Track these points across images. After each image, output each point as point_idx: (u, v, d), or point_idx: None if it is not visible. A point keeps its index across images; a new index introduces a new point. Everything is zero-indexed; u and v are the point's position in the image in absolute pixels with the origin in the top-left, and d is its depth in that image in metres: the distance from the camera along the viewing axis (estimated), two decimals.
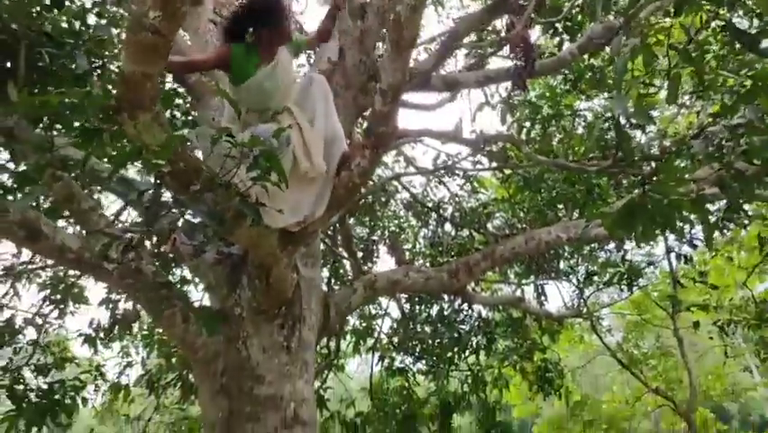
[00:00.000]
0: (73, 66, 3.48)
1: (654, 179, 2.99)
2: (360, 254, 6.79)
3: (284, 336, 3.73)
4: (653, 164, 3.14)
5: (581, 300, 9.20)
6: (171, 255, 4.13)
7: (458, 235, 7.70)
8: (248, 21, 3.24)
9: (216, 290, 3.85)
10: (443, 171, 6.70)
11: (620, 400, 12.78)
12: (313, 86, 3.34)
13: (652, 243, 8.06)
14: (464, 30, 4.24)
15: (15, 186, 3.70)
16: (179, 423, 8.00)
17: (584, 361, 13.07)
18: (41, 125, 3.67)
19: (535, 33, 4.95)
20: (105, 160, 3.55)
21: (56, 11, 3.58)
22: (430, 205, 7.14)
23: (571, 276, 9.26)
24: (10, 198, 3.65)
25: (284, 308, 3.76)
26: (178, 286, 5.67)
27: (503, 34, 4.34)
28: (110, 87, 3.06)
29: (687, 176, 3.08)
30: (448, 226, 7.28)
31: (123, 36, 3.01)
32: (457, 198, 7.32)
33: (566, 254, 8.81)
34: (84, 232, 3.54)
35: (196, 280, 5.99)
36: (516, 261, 6.78)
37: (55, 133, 3.63)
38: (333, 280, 7.38)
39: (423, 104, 5.29)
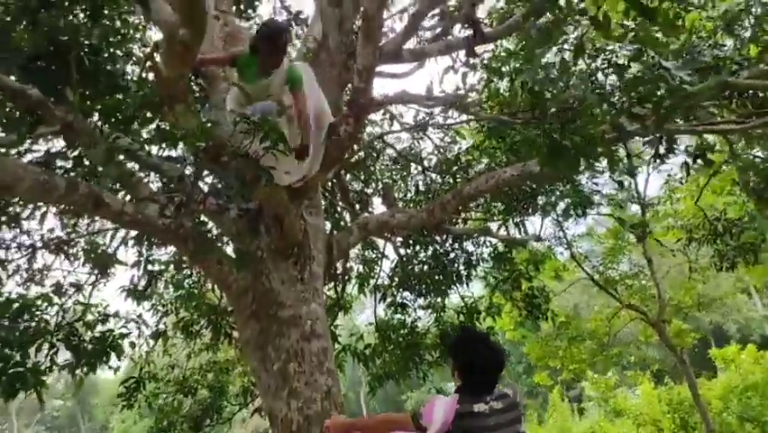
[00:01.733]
0: (111, 69, 4.36)
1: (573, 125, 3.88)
2: (357, 205, 7.70)
3: (298, 271, 4.70)
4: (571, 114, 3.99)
5: (562, 232, 10.15)
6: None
7: (444, 181, 8.60)
8: (257, 42, 4.05)
9: (240, 238, 4.79)
10: (420, 127, 7.56)
11: (600, 319, 13.96)
12: (306, 70, 4.22)
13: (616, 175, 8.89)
14: (427, 8, 5.06)
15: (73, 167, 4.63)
16: (210, 366, 9.04)
17: (567, 286, 14.29)
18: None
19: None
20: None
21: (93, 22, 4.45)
22: (416, 157, 8.01)
23: (550, 211, 10.19)
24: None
25: (296, 249, 4.72)
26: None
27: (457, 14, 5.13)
28: (144, 85, 3.99)
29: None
30: (434, 175, 8.18)
31: (156, 45, 3.93)
32: (440, 150, 8.20)
33: (545, 192, 9.73)
34: (134, 200, 4.47)
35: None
36: (491, 198, 7.61)
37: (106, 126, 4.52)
38: (335, 230, 8.33)
39: (398, 73, 6.13)
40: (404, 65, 5.77)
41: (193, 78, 5.08)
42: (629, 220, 11.56)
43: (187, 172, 4.37)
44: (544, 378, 15.57)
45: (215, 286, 6.75)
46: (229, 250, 5.31)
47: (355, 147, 6.94)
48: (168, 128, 4.08)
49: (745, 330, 35.00)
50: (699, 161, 5.51)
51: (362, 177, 8.00)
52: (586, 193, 9.99)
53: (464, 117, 7.02)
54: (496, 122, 6.09)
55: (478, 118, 6.59)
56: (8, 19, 4.19)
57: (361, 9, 4.00)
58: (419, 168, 8.14)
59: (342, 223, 8.67)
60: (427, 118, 7.45)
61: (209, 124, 3.60)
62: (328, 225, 8.49)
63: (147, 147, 4.68)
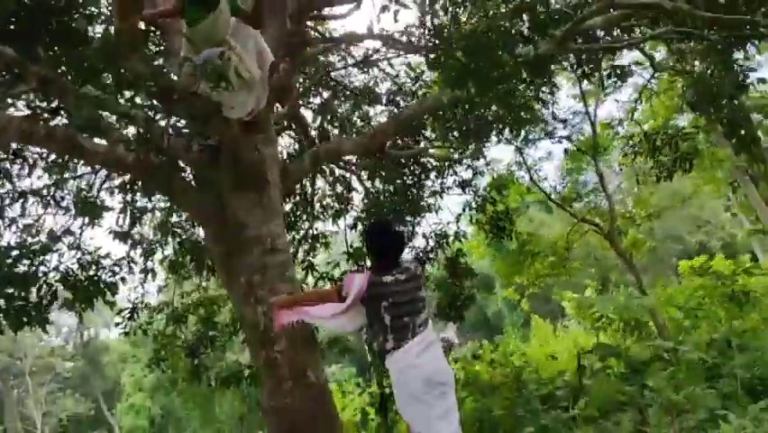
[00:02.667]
0: (76, 26, 4.93)
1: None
2: (316, 139, 8.29)
3: (257, 196, 5.36)
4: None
5: (521, 157, 10.81)
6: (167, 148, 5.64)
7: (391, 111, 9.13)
8: None
9: (204, 170, 5.44)
10: (365, 62, 8.11)
11: (560, 235, 14.81)
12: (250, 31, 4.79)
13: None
14: None
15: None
16: (200, 301, 9.81)
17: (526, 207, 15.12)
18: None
19: None
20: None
21: None
22: (369, 91, 8.58)
23: (513, 138, 10.84)
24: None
25: (254, 176, 5.37)
26: None
27: None
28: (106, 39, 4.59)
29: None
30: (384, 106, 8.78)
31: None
32: (395, 82, 8.82)
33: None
34: (106, 142, 5.11)
35: None
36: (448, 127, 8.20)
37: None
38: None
39: (337, 14, 6.64)
40: (343, 7, 6.26)
41: (152, 30, 5.64)
42: (585, 141, 12.30)
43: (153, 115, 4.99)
44: (511, 293, 16.66)
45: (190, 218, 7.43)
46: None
47: (298, 83, 7.52)
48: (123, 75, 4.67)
49: (729, 248, 36.05)
50: (613, 77, 6.14)
51: (319, 111, 8.55)
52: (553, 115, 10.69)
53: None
54: (411, 51, 6.67)
55: (396, 56, 7.21)
56: None
57: None
58: (370, 101, 8.72)
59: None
60: (372, 54, 7.99)
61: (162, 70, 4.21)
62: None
63: (115, 96, 5.28)
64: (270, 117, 5.59)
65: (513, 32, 4.32)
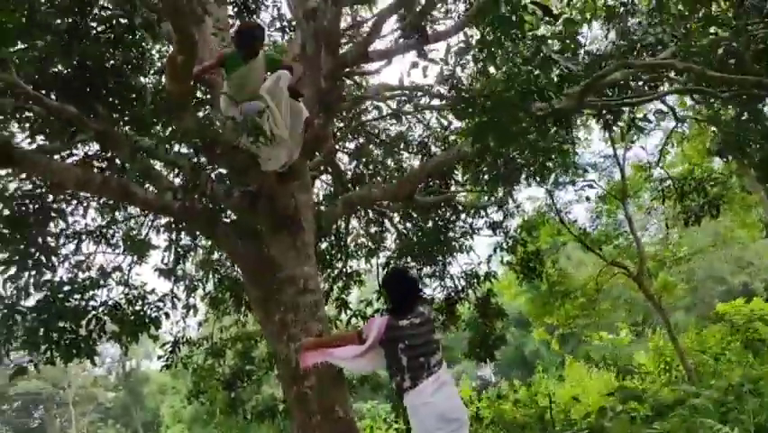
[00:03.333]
0: (132, 84, 5.44)
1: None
2: (351, 184, 8.71)
3: (291, 240, 5.74)
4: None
5: (551, 200, 11.03)
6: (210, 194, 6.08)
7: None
8: (240, 36, 5.11)
9: (243, 215, 5.86)
10: (398, 113, 8.53)
11: (591, 276, 14.84)
12: (281, 78, 5.23)
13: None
14: (386, 16, 6.00)
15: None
16: (238, 336, 10.22)
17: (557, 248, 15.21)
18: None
19: None
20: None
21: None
22: (402, 140, 9.00)
23: (541, 182, 11.06)
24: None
25: (289, 221, 5.76)
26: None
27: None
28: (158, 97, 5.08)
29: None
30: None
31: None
32: (429, 131, 9.20)
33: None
34: (155, 189, 5.57)
35: None
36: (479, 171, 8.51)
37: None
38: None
39: (371, 70, 7.10)
40: (375, 64, 6.69)
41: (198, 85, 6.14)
42: (615, 185, 12.46)
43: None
44: (541, 333, 16.68)
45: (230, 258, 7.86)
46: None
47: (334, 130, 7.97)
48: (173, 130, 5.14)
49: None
50: (632, 128, 6.41)
51: (353, 156, 8.99)
52: (575, 163, 10.93)
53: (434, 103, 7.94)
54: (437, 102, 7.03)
55: (424, 107, 7.59)
56: (45, 51, 5.27)
57: (323, 24, 5.01)
58: (402, 148, 9.12)
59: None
60: (403, 104, 8.41)
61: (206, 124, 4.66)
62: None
63: (165, 146, 5.77)
64: (306, 166, 5.99)
65: (530, 89, 4.63)
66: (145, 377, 47.12)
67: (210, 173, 5.45)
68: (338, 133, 8.88)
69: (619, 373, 13.75)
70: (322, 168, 8.36)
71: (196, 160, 5.75)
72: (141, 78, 5.45)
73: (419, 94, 6.60)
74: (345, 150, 9.36)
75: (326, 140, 5.68)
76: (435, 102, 7.29)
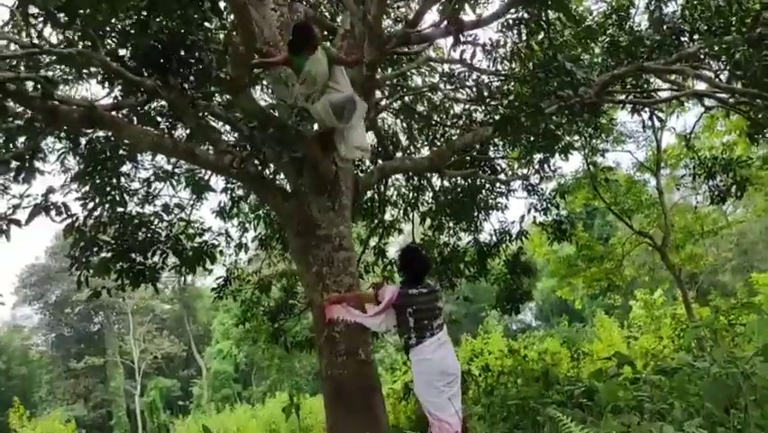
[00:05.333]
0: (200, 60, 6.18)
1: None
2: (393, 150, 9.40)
3: (330, 202, 6.51)
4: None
5: (587, 166, 11.47)
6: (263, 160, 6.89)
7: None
8: (297, 39, 5.74)
9: (289, 178, 6.66)
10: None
11: (619, 242, 15.25)
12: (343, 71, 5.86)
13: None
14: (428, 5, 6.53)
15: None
16: (284, 273, 11.22)
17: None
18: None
19: None
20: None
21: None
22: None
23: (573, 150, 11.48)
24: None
25: (329, 186, 6.53)
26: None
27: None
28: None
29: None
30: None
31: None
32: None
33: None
34: (216, 151, 6.39)
35: None
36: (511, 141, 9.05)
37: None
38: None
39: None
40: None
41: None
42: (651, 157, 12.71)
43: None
44: (565, 292, 17.33)
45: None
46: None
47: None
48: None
49: None
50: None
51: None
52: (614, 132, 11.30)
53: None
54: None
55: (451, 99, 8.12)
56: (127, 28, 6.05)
57: (367, 17, 5.62)
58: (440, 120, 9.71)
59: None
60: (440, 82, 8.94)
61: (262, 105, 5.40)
62: None
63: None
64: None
65: (546, 90, 5.18)
66: (198, 293, 49.62)
67: (263, 139, 6.20)
68: (384, 91, 9.49)
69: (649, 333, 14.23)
70: None
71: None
72: (207, 54, 6.14)
73: (458, 69, 7.14)
74: (390, 109, 9.98)
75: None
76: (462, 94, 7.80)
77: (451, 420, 4.77)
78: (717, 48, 6.10)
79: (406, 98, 9.27)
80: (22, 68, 5.73)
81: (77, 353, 47.02)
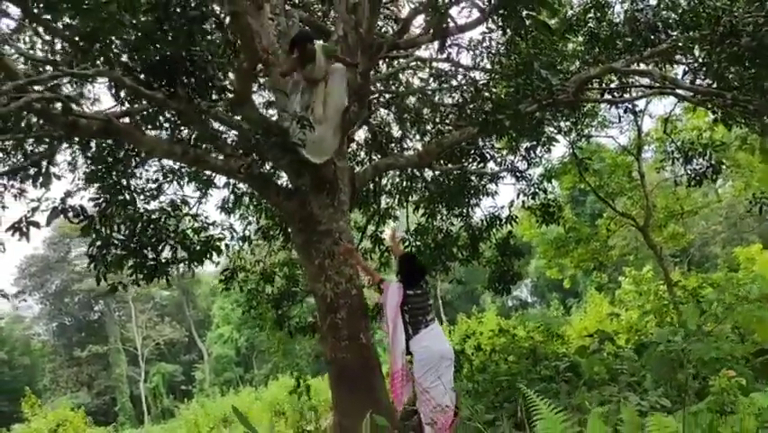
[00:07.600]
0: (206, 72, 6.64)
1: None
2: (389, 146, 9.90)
3: (330, 199, 7.03)
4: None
5: (572, 152, 11.98)
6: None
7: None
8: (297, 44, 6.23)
9: (291, 178, 7.16)
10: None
11: (605, 224, 15.86)
12: (337, 72, 6.35)
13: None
14: (413, 15, 6.99)
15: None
16: (285, 262, 11.74)
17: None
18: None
19: None
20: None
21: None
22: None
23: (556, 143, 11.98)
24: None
25: (328, 184, 7.03)
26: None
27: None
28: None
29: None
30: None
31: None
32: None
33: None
34: (222, 156, 6.89)
35: None
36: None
37: None
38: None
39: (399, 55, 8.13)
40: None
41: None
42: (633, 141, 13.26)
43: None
44: (554, 272, 17.98)
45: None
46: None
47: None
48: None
49: None
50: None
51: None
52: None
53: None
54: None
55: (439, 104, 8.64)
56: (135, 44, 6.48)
57: (360, 29, 6.10)
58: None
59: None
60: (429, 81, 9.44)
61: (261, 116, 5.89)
62: None
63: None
64: (345, 140, 7.21)
65: (524, 93, 5.68)
66: (197, 279, 50.17)
67: (267, 145, 6.69)
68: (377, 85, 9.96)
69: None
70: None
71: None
72: (212, 66, 6.60)
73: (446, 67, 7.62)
74: (382, 102, 10.45)
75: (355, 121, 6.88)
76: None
77: (445, 400, 5.39)
78: (682, 45, 6.59)
79: (398, 93, 9.74)
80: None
81: (79, 341, 47.73)
